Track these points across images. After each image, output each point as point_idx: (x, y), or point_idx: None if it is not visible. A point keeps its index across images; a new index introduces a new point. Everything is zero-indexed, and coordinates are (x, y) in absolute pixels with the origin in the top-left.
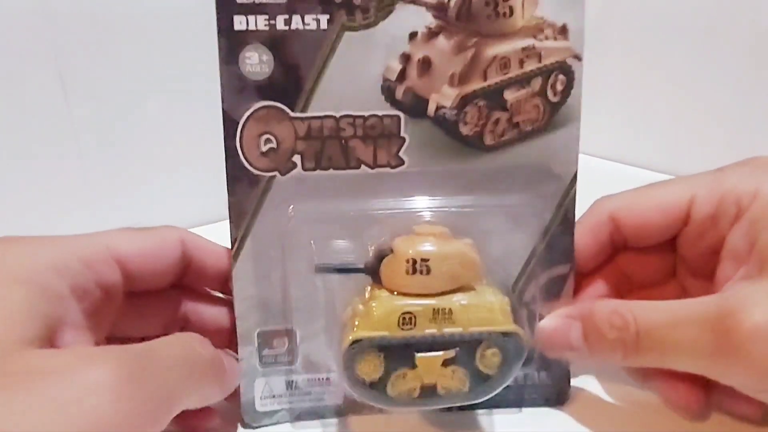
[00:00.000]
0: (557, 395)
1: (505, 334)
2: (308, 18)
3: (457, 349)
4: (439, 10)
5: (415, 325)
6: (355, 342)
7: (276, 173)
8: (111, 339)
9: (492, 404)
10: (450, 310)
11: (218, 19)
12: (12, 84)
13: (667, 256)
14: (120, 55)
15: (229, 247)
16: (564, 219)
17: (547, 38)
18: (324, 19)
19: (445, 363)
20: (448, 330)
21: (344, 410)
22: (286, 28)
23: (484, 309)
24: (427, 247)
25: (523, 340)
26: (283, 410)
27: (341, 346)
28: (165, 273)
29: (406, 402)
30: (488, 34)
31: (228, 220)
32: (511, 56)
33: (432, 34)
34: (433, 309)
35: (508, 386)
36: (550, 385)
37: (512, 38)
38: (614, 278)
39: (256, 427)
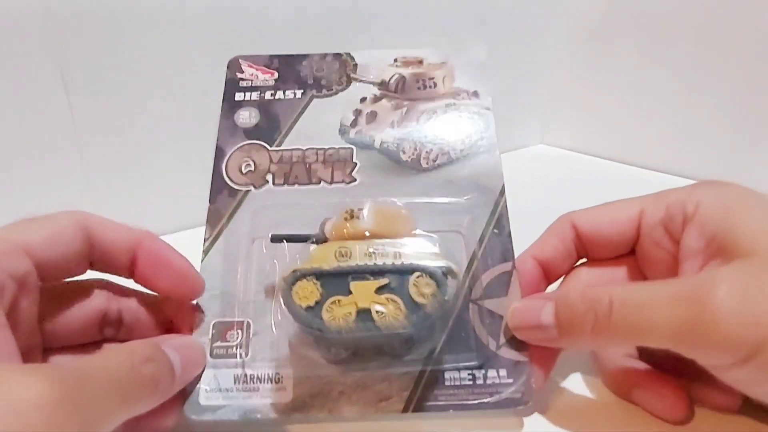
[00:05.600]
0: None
1: (436, 265)
2: (288, 92)
3: (390, 277)
4: (382, 85)
5: (350, 257)
6: (293, 272)
7: (251, 187)
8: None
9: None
10: (383, 245)
11: (224, 93)
12: (13, 83)
13: (634, 274)
14: (121, 55)
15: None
16: (498, 224)
17: (463, 99)
18: (299, 92)
19: (379, 290)
20: (381, 260)
21: (291, 410)
22: (272, 98)
23: (416, 245)
24: (364, 202)
25: (453, 272)
26: (227, 406)
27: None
28: (74, 257)
29: (341, 326)
30: (418, 99)
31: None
32: (436, 110)
33: (377, 99)
34: (368, 246)
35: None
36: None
37: (437, 99)
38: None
39: (197, 421)
